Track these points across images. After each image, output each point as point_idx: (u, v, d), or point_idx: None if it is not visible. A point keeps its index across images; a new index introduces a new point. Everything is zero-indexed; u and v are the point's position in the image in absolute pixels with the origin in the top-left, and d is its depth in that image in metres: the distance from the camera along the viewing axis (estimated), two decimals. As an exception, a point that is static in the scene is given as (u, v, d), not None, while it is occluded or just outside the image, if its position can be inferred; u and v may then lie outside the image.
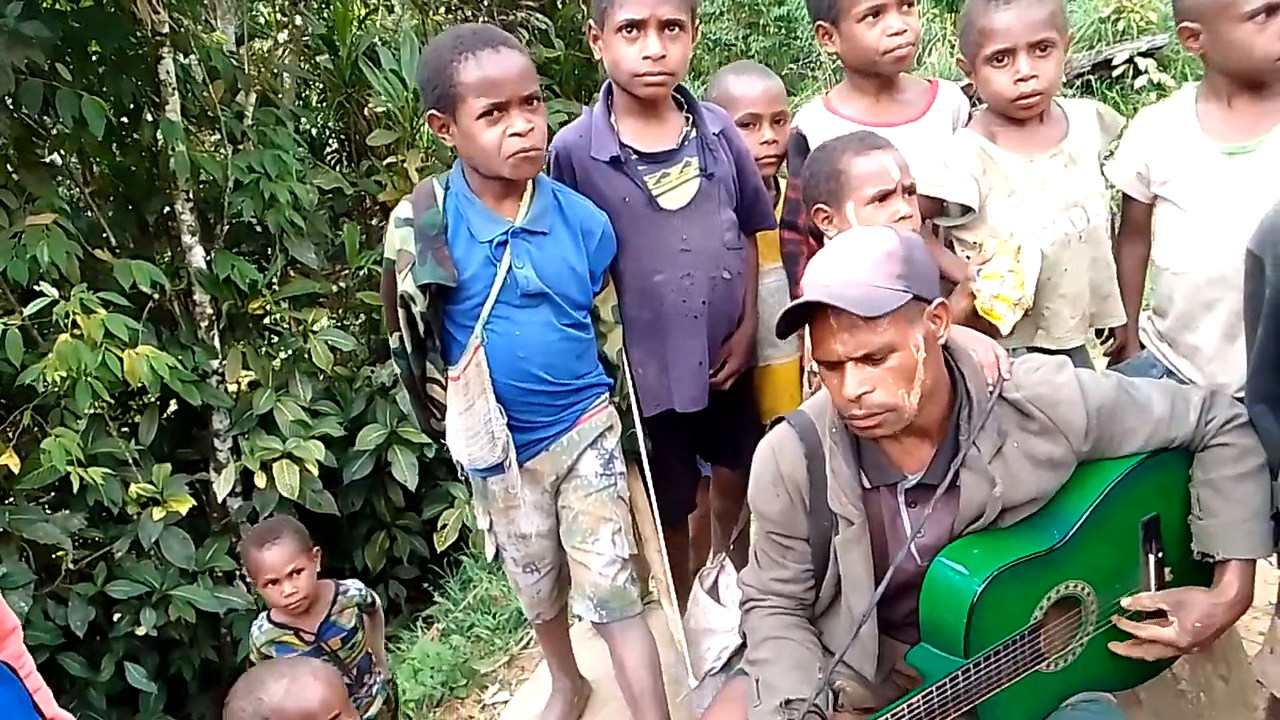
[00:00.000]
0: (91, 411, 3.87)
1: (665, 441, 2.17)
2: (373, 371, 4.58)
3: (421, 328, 1.91)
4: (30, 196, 4.01)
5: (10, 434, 3.99)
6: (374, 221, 5.26)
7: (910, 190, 1.87)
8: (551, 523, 2.06)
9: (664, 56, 1.94)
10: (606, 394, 2.05)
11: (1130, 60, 6.30)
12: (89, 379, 3.68)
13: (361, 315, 4.94)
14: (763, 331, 2.23)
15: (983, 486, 1.52)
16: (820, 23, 2.14)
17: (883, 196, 1.83)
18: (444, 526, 4.32)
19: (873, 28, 2.04)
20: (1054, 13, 1.93)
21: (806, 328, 1.65)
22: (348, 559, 4.72)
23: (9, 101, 3.91)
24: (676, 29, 1.96)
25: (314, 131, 5.71)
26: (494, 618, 3.32)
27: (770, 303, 2.22)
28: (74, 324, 3.70)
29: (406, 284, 1.84)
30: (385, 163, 4.76)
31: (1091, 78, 6.32)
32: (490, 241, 1.86)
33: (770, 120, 2.26)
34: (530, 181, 1.91)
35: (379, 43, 4.97)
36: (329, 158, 5.82)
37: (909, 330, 1.46)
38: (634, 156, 2.02)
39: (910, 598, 1.56)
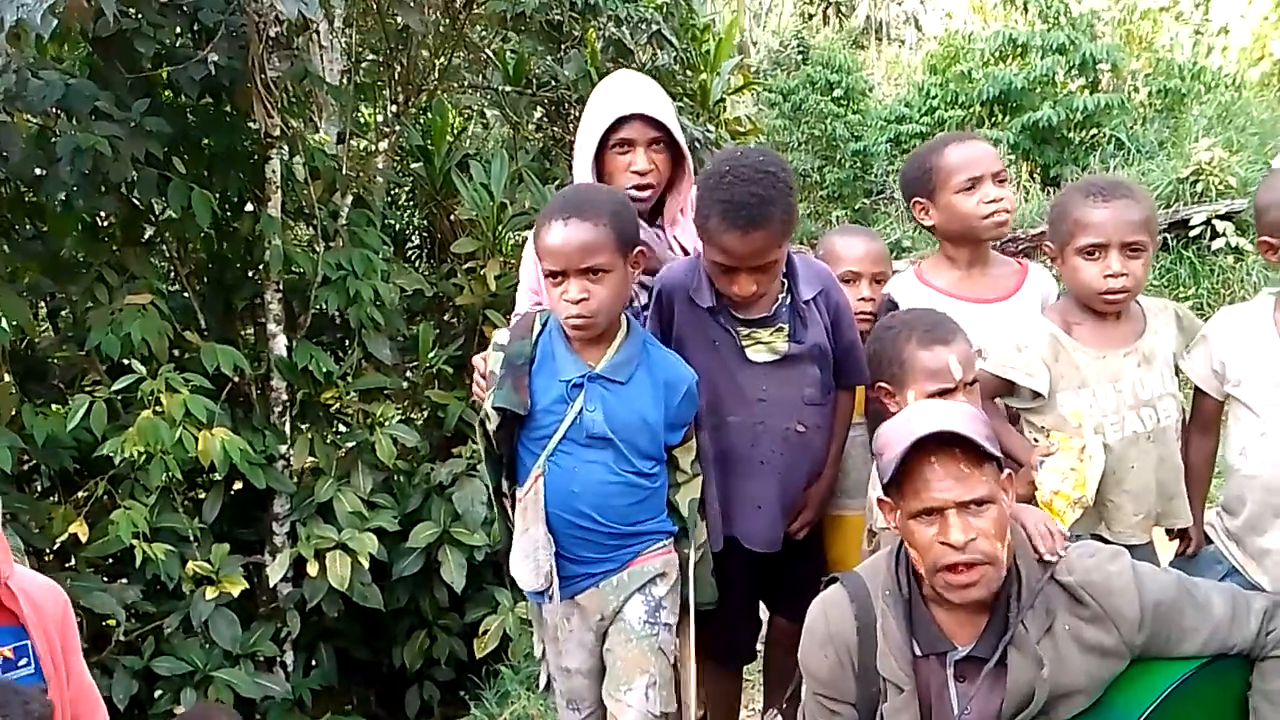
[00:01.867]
0: (158, 487, 3.98)
1: (729, 585, 2.18)
2: (432, 469, 4.64)
3: (496, 446, 2.02)
4: (130, 276, 4.24)
5: (82, 502, 4.12)
6: (448, 318, 5.43)
7: (972, 383, 1.90)
8: (594, 663, 2.07)
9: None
10: (666, 541, 2.07)
11: (1208, 222, 6.31)
12: (163, 455, 3.81)
13: (427, 411, 5.04)
14: (841, 481, 2.26)
15: (1030, 667, 1.49)
16: (917, 199, 2.23)
17: (943, 393, 1.86)
18: (485, 632, 4.30)
19: (970, 197, 2.13)
20: (1148, 218, 1.97)
21: (878, 488, 1.66)
22: (387, 655, 4.70)
23: (122, 187, 4.18)
24: None
25: (397, 227, 5.96)
26: (529, 738, 3.27)
27: (853, 455, 2.26)
28: (157, 401, 3.86)
29: (486, 403, 1.99)
30: (465, 267, 4.94)
31: (1168, 236, 6.34)
32: (568, 382, 1.97)
33: (870, 279, 2.34)
34: (624, 329, 2.02)
35: (471, 155, 5.22)
36: (410, 254, 6.06)
37: (999, 488, 1.48)
38: (731, 313, 2.10)
39: (955, 776, 1.51)
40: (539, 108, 5.26)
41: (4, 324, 3.96)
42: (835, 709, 1.63)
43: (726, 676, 2.34)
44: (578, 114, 4.89)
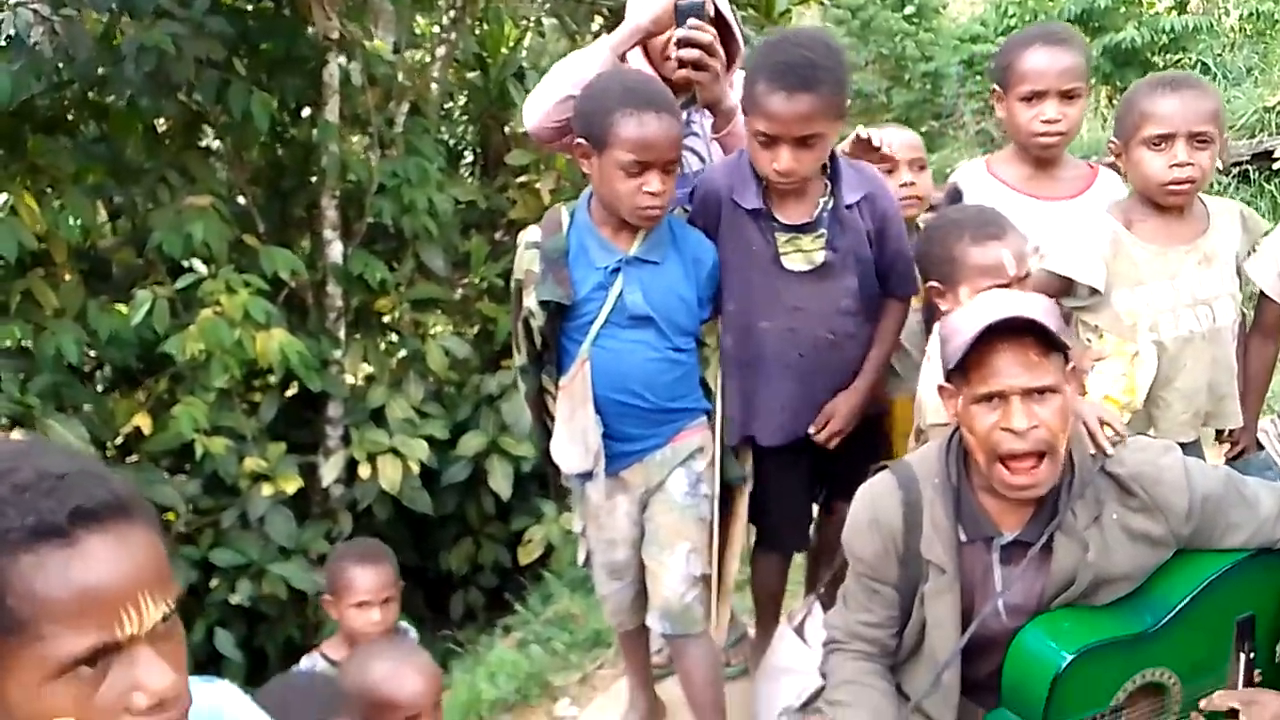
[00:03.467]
0: (220, 385, 4.10)
1: (782, 472, 2.23)
2: (481, 380, 4.70)
3: (539, 342, 2.06)
4: (191, 179, 4.30)
5: (145, 398, 4.26)
6: (500, 236, 5.43)
7: (1025, 278, 1.87)
8: (637, 533, 2.14)
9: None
10: (704, 418, 2.14)
11: (1293, 153, 6.01)
12: (224, 355, 3.91)
13: (478, 324, 5.08)
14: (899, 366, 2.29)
15: (1076, 551, 1.51)
16: (994, 86, 2.22)
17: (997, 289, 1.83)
18: (529, 541, 4.39)
19: (1029, 109, 2.10)
20: (1217, 109, 1.92)
21: (929, 385, 1.61)
22: (434, 559, 4.84)
23: (183, 90, 4.21)
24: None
25: (452, 142, 5.94)
26: (571, 635, 3.35)
27: (907, 338, 2.28)
28: (216, 302, 3.95)
29: (529, 300, 2.02)
30: (518, 181, 4.92)
31: (1250, 168, 6.06)
32: (605, 268, 2.02)
33: (908, 165, 2.36)
34: None
35: (527, 65, 5.15)
36: (464, 169, 6.05)
37: (1064, 379, 1.48)
38: (773, 217, 2.09)
39: (993, 658, 1.55)
40: (598, 17, 5.14)
41: (71, 222, 4.06)
42: (877, 588, 1.66)
43: (775, 560, 2.42)
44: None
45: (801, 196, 2.08)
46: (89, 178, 4.30)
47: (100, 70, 3.95)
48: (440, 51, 4.95)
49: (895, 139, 2.35)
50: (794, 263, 2.09)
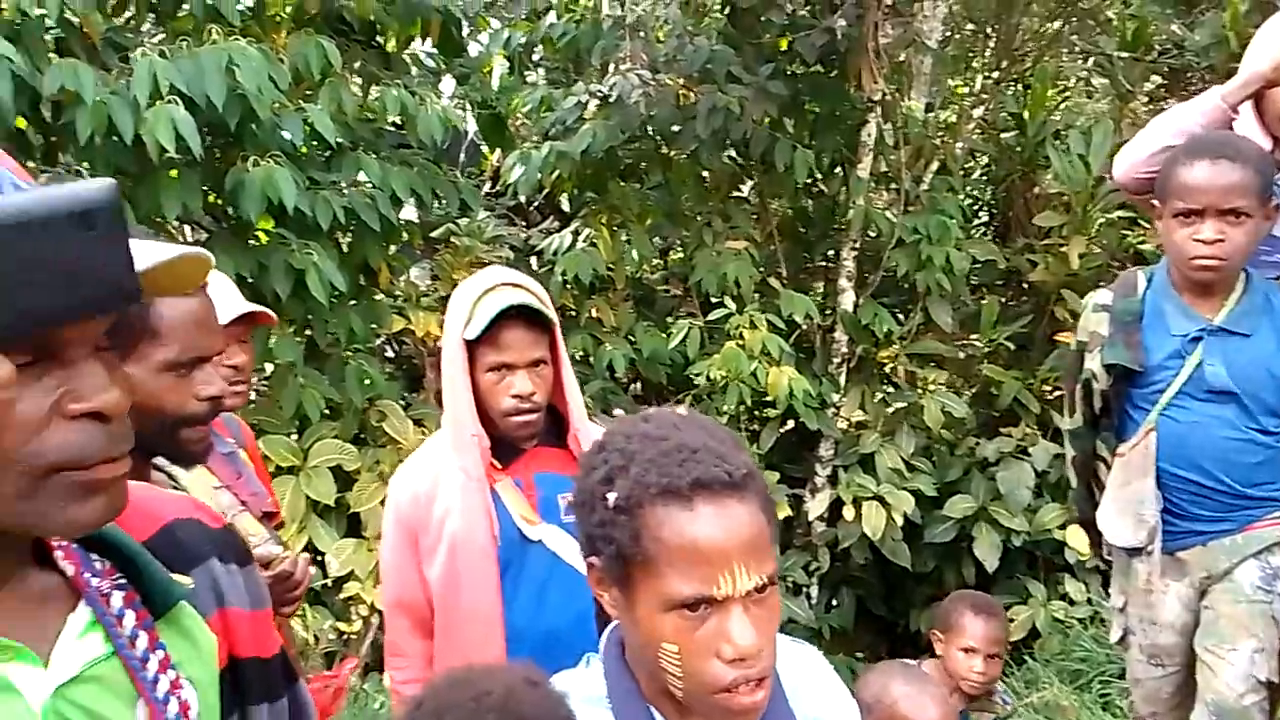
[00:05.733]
0: (730, 410, 4.49)
1: None
2: (978, 443, 4.59)
3: (1098, 406, 2.02)
4: (731, 224, 4.78)
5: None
6: (1013, 298, 5.27)
7: None
8: (1189, 619, 2.00)
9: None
10: None
11: None
12: (739, 383, 4.28)
13: (978, 385, 4.97)
14: None
15: None
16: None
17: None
18: (1012, 620, 4.17)
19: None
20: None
21: None
22: (904, 617, 4.80)
23: (726, 142, 4.69)
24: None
25: (967, 201, 5.89)
26: (1054, 728, 3.14)
27: None
28: (740, 335, 4.34)
29: (1093, 363, 2.00)
30: (1044, 243, 4.74)
31: None
32: (1184, 335, 1.93)
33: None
34: (1242, 280, 1.93)
35: (1065, 127, 4.95)
36: (975, 229, 5.96)
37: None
38: None
39: None
40: (1155, 76, 4.79)
41: (634, 255, 4.73)
42: None
43: None
44: (1203, 83, 4.39)
45: None
46: (649, 219, 4.98)
47: (674, 127, 4.56)
48: (976, 112, 4.95)
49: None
50: None
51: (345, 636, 3.82)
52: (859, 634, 5.02)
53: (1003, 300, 5.01)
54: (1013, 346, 4.72)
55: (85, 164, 2.93)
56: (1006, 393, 4.58)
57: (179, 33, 3.34)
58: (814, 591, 4.76)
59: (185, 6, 3.20)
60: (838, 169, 4.91)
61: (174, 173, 3.21)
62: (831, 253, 4.94)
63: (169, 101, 2.92)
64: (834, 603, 4.88)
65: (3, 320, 0.35)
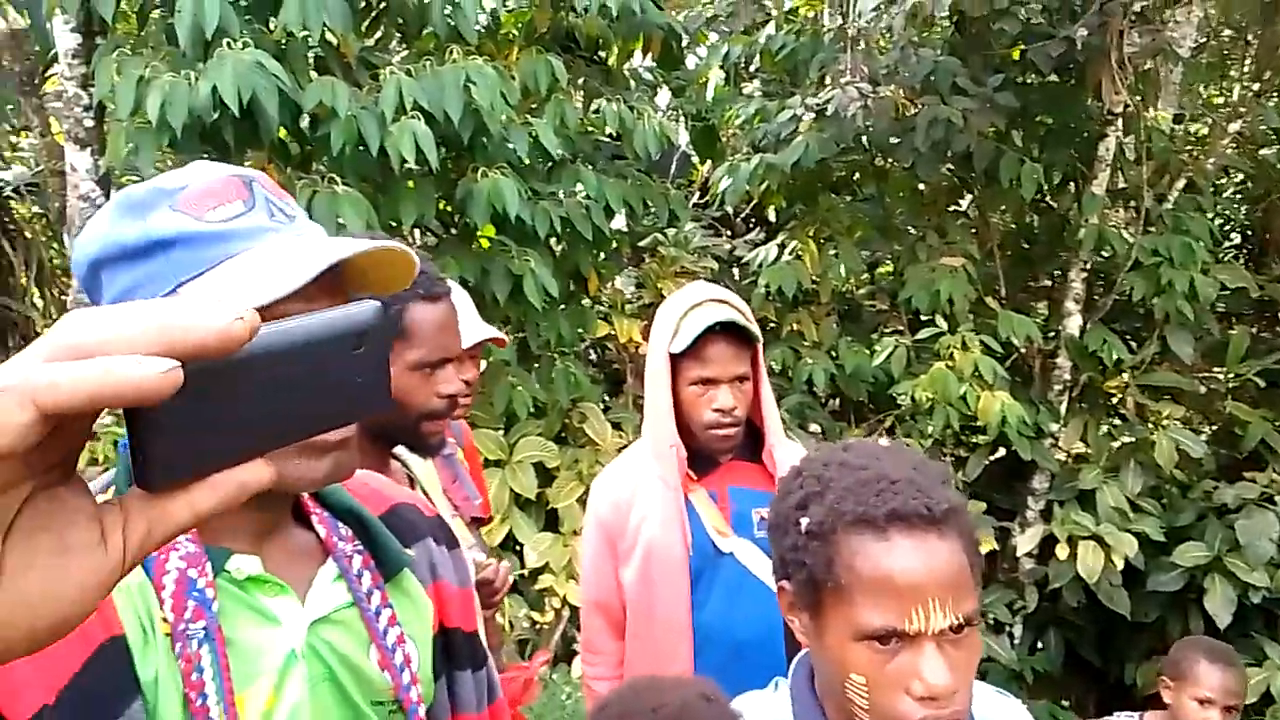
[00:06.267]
0: (935, 434, 4.31)
1: None
2: (1216, 487, 4.19)
3: None
4: (947, 240, 4.60)
5: (866, 432, 4.67)
6: (1262, 330, 4.77)
7: None
8: None
9: None
10: None
11: None
12: (946, 405, 4.11)
13: (1219, 424, 4.54)
14: None
15: None
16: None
17: None
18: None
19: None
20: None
21: None
22: (1118, 666, 4.45)
23: (949, 154, 4.51)
24: None
25: (1219, 222, 5.39)
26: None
27: None
28: (950, 355, 4.17)
29: None
30: (1307, 270, 4.27)
31: None
32: None
33: None
34: None
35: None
36: (1225, 253, 5.44)
37: None
38: None
39: None
40: None
41: (841, 269, 4.64)
42: None
43: None
44: None
45: None
46: (858, 232, 4.87)
47: (891, 139, 4.44)
48: (1232, 126, 4.52)
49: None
50: None
51: (538, 626, 3.97)
52: (1066, 680, 4.70)
53: (1254, 332, 4.54)
54: (1262, 384, 4.27)
55: (336, 173, 3.19)
56: (1253, 434, 4.16)
57: (423, 52, 3.59)
58: (1018, 631, 4.50)
59: (429, 27, 3.44)
60: (1069, 184, 4.62)
61: (411, 183, 3.45)
62: (1057, 273, 4.65)
63: (412, 116, 3.15)
64: (1039, 645, 4.59)
65: (283, 428, 0.41)
